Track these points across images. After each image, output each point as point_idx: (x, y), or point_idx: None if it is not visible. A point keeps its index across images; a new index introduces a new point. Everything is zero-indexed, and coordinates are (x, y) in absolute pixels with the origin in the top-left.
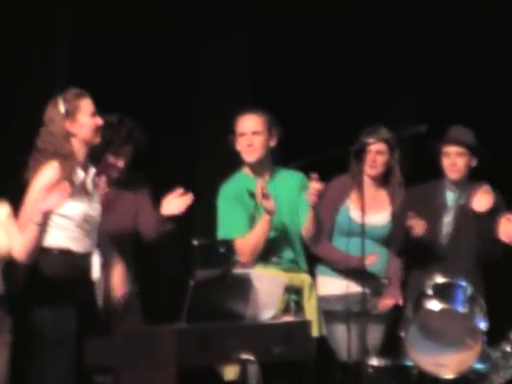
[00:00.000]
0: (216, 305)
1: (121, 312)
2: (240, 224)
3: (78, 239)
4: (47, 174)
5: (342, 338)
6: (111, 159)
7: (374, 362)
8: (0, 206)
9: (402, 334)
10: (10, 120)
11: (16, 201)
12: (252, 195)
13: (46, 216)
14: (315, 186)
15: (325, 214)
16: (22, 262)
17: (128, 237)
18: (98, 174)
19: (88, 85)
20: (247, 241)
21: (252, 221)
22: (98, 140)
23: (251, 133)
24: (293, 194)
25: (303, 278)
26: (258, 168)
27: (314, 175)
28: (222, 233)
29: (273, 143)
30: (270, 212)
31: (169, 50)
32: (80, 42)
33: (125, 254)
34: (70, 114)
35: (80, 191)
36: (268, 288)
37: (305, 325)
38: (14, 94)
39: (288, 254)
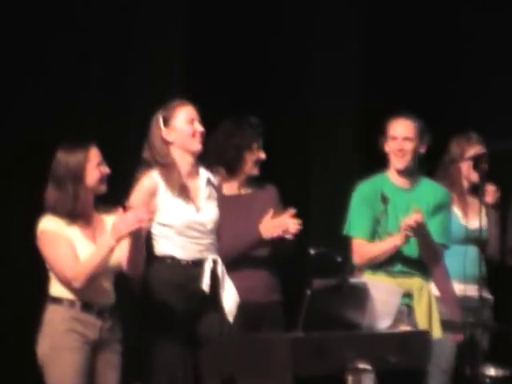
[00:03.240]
0: (332, 314)
1: (261, 319)
2: (363, 225)
3: (184, 247)
4: (143, 184)
5: (446, 345)
6: (255, 154)
7: (492, 371)
8: (111, 217)
9: None
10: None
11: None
12: (384, 199)
13: (137, 232)
14: (416, 218)
15: None
16: (129, 274)
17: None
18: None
19: (201, 97)
20: (370, 247)
21: (376, 224)
22: (198, 147)
23: (402, 138)
24: (427, 208)
25: (413, 282)
26: (403, 174)
27: (416, 208)
28: (346, 230)
29: (422, 150)
30: (403, 241)
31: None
32: (192, 55)
33: (265, 261)
34: (167, 123)
35: (182, 198)
36: (385, 297)
37: (422, 334)
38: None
39: (401, 261)
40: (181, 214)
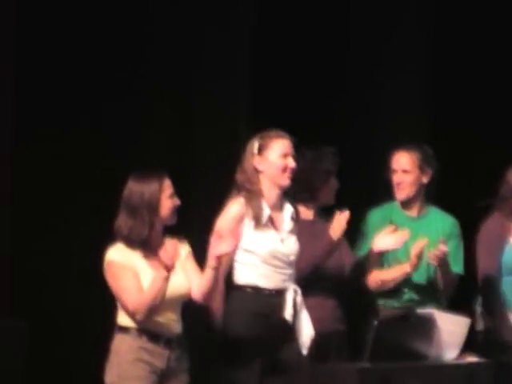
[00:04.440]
0: (399, 344)
1: (328, 349)
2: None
3: (267, 275)
4: (232, 209)
5: None
6: (333, 183)
7: None
8: (181, 245)
9: None
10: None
11: (200, 239)
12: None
13: (220, 260)
14: (443, 249)
15: (491, 257)
16: (198, 303)
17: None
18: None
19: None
20: (381, 274)
21: (385, 252)
22: (286, 182)
23: (401, 171)
24: (436, 237)
25: None
26: (407, 204)
27: (442, 239)
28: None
29: (425, 180)
30: (411, 270)
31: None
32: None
33: (335, 290)
34: (261, 151)
35: (267, 227)
36: (452, 328)
37: (488, 365)
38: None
39: (412, 290)
40: (267, 242)
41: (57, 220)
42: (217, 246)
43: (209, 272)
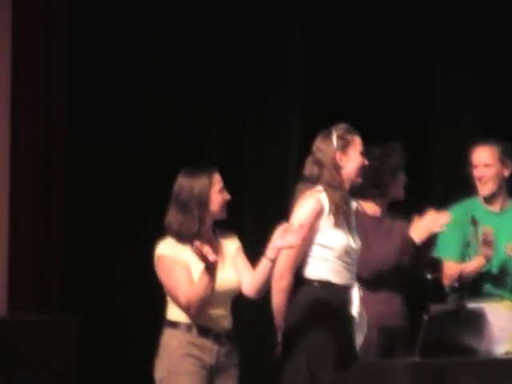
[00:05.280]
0: (450, 339)
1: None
2: (454, 248)
3: (339, 271)
4: (311, 203)
5: None
6: (401, 179)
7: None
8: (231, 240)
9: None
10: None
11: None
12: (474, 223)
13: (279, 253)
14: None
15: None
16: (251, 298)
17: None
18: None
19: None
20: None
21: (467, 247)
22: (359, 180)
23: (483, 165)
24: None
25: (503, 305)
26: (489, 199)
27: None
28: (437, 253)
29: (507, 173)
30: (486, 260)
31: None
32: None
33: (403, 285)
34: (343, 148)
35: (344, 223)
36: (502, 323)
37: None
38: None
39: (490, 283)
40: (342, 238)
41: (107, 215)
42: (281, 239)
43: (265, 263)
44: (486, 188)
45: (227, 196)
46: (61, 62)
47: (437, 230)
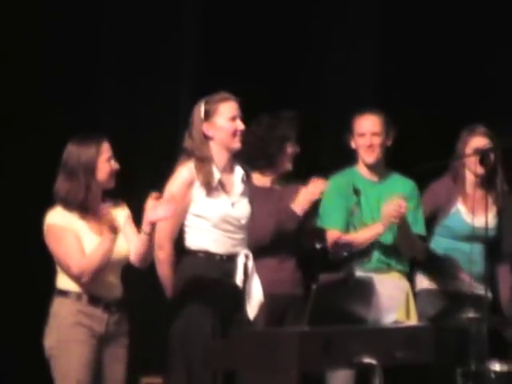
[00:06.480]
0: (338, 308)
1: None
2: (337, 217)
3: (219, 240)
4: (182, 174)
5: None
6: (290, 149)
7: (497, 367)
8: (120, 209)
9: None
10: None
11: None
12: (356, 192)
13: (153, 226)
14: (403, 205)
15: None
16: (137, 267)
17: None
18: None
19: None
20: (352, 236)
21: (350, 216)
22: (237, 145)
23: (371, 133)
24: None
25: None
26: (373, 168)
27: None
28: (320, 223)
29: (389, 143)
30: (383, 230)
31: None
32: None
33: (293, 253)
34: (208, 117)
35: (218, 192)
36: (390, 292)
37: (428, 328)
38: None
39: (378, 254)
40: (217, 206)
41: None
42: (152, 212)
43: (142, 237)
44: (373, 156)
45: (115, 165)
46: None
47: (315, 197)
